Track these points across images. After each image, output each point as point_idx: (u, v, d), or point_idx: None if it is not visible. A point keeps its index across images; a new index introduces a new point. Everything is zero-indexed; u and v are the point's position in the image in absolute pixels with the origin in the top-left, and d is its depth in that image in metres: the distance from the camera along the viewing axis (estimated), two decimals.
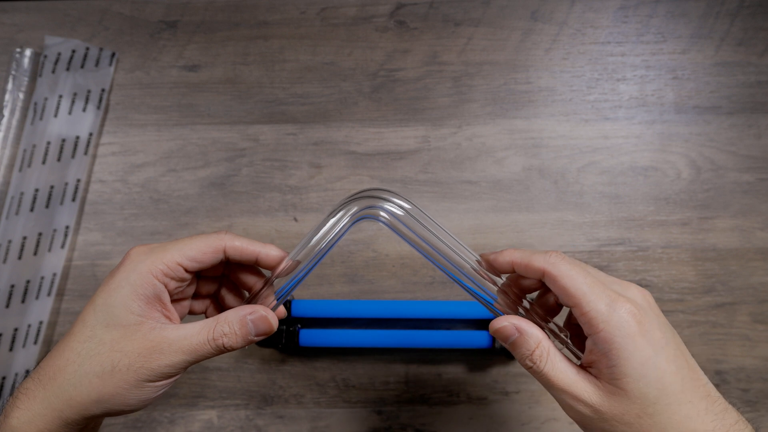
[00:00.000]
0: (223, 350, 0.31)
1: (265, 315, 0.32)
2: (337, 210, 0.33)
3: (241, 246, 0.34)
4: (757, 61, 0.55)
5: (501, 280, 0.34)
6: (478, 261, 0.34)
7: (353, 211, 0.33)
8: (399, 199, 0.33)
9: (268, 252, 0.34)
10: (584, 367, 0.31)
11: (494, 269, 0.34)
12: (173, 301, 0.35)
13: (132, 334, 0.30)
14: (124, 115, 0.55)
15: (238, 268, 0.36)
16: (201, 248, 0.33)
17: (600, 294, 0.30)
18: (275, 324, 0.33)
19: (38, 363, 0.50)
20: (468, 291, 0.34)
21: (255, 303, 0.34)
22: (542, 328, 0.32)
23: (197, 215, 0.54)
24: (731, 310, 0.52)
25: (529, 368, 0.31)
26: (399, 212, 0.33)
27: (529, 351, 0.31)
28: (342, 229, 0.33)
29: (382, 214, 0.33)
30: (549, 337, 0.32)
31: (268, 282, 0.35)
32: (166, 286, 0.32)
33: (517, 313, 0.33)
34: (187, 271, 0.33)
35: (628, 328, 0.29)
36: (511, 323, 0.31)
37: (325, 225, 0.33)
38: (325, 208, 0.53)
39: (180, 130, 0.55)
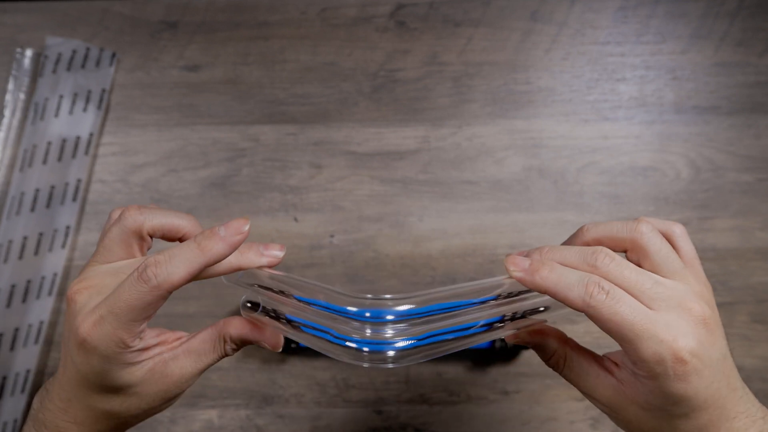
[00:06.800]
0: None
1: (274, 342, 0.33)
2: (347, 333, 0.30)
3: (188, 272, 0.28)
4: (756, 62, 0.55)
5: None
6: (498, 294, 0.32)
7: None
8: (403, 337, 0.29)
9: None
10: (605, 360, 0.32)
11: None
12: None
13: (149, 380, 0.30)
14: (124, 116, 0.55)
15: None
16: (136, 313, 0.27)
17: (652, 338, 0.27)
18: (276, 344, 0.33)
19: (38, 364, 0.50)
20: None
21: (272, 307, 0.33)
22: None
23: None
24: (730, 310, 0.52)
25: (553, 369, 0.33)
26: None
27: (546, 358, 0.33)
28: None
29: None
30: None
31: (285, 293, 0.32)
32: (140, 335, 0.29)
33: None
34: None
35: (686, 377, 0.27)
36: (521, 339, 0.33)
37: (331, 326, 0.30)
38: (326, 208, 0.53)
39: (180, 130, 0.55)
